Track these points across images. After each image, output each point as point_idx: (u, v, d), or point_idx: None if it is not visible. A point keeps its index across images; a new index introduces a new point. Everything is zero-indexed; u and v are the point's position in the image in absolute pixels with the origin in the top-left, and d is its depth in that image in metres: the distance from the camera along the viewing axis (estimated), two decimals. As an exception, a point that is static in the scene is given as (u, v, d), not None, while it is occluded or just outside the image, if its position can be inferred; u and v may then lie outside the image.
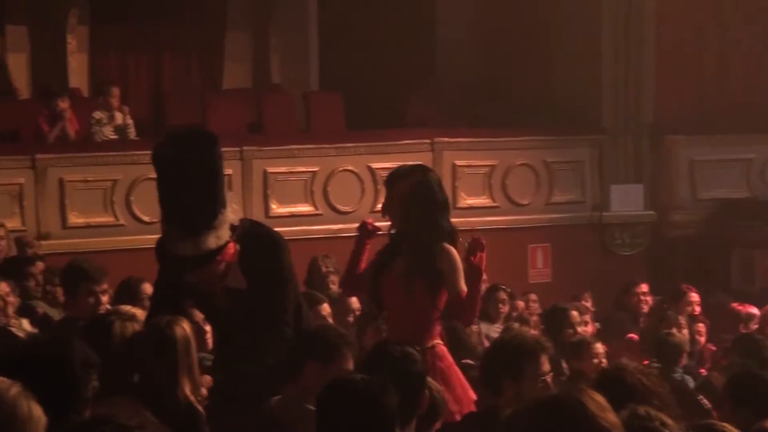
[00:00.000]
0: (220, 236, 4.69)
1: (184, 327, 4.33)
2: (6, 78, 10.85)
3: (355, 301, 7.41)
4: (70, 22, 11.33)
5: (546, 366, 4.49)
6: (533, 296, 9.70)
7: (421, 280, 5.35)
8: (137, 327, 4.36)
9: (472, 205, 11.46)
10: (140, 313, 4.66)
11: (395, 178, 5.54)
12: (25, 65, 11.40)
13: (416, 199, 5.41)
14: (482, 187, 11.55)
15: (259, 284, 4.81)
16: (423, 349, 4.95)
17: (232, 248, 4.76)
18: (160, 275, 5.00)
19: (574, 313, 7.76)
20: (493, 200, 11.60)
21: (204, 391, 4.61)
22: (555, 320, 7.69)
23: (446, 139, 11.39)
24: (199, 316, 5.68)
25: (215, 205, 4.70)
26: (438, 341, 5.42)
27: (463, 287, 5.34)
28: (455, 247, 5.46)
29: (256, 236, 4.90)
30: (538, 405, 3.10)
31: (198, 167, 4.64)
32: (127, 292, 6.58)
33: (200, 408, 4.31)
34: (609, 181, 11.96)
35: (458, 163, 11.45)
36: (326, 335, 4.51)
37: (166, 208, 4.73)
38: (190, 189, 4.62)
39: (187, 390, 4.24)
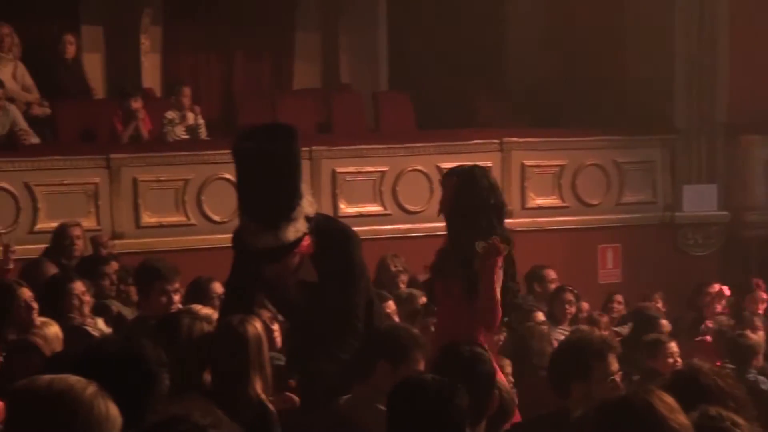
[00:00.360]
0: (298, 228, 4.73)
1: (256, 326, 4.36)
2: (82, 78, 10.99)
3: (423, 301, 7.41)
4: (143, 22, 11.44)
5: (614, 365, 4.46)
6: (619, 297, 9.66)
7: (459, 281, 5.35)
8: (206, 326, 4.40)
9: (540, 206, 11.41)
10: (210, 312, 4.70)
11: (443, 178, 5.58)
12: (100, 65, 11.54)
13: (458, 199, 5.40)
14: (551, 187, 11.49)
15: (331, 278, 4.82)
16: None
17: (307, 240, 4.78)
18: (235, 267, 5.03)
19: (665, 321, 7.64)
20: (563, 200, 11.53)
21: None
22: (644, 325, 7.59)
23: (515, 139, 11.34)
24: (266, 314, 5.72)
25: (294, 197, 4.73)
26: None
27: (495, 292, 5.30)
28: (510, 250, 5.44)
29: (329, 230, 4.92)
30: (606, 406, 3.08)
31: (278, 159, 4.67)
32: (197, 292, 6.65)
33: (271, 406, 4.34)
34: (681, 181, 11.84)
35: (527, 163, 11.40)
36: (398, 336, 4.52)
37: (245, 200, 4.76)
38: (270, 181, 4.65)
39: (259, 388, 4.27)
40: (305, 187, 4.91)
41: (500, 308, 5.37)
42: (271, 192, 4.66)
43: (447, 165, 10.62)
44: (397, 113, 11.74)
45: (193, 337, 4.30)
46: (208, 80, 12.06)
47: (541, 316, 7.92)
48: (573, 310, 8.67)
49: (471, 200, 5.40)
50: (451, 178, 5.52)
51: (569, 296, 8.65)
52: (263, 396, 4.29)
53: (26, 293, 5.72)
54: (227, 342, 4.28)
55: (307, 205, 4.82)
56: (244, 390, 4.24)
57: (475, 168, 5.60)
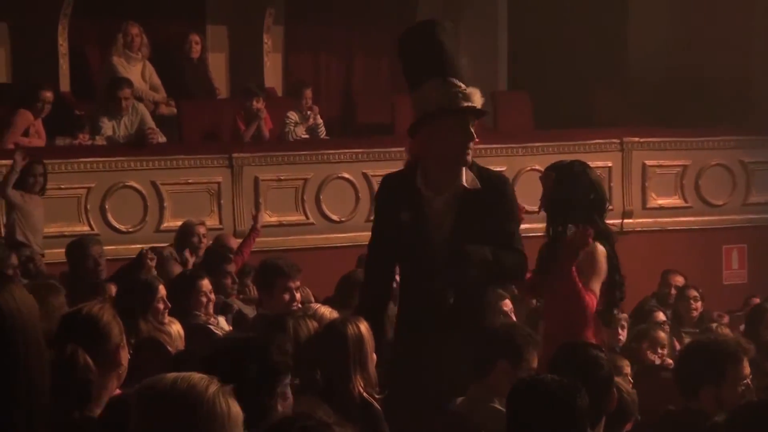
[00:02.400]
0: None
1: (359, 325, 4.42)
2: (207, 77, 11.16)
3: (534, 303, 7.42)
4: (266, 21, 11.56)
5: (747, 369, 4.39)
6: (756, 300, 9.51)
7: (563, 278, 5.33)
8: (313, 325, 4.47)
9: (662, 206, 11.28)
10: (327, 312, 4.76)
11: (543, 173, 5.66)
12: (224, 65, 11.71)
13: (556, 194, 5.42)
14: (674, 187, 11.34)
15: (492, 210, 4.93)
16: None
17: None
18: (376, 229, 5.03)
19: None
20: (685, 201, 11.37)
21: None
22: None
23: (636, 139, 11.22)
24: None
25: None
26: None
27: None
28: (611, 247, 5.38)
29: (488, 171, 5.18)
30: (746, 410, 3.04)
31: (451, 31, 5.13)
32: (348, 287, 6.72)
33: (376, 404, 4.38)
34: (813, 182, 11.55)
35: (648, 163, 11.26)
36: (515, 335, 4.52)
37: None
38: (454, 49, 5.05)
39: (360, 386, 4.34)
40: None
41: (588, 299, 5.28)
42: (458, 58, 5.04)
43: (566, 165, 10.60)
44: (515, 113, 11.67)
45: (300, 337, 4.38)
46: (328, 80, 12.16)
47: (661, 316, 7.87)
48: (699, 305, 8.63)
49: (569, 195, 5.37)
50: (549, 173, 5.52)
51: (693, 292, 8.64)
52: (365, 393, 4.35)
53: (163, 290, 5.90)
54: (328, 341, 4.38)
55: None
56: (346, 387, 4.31)
57: (574, 163, 5.58)
